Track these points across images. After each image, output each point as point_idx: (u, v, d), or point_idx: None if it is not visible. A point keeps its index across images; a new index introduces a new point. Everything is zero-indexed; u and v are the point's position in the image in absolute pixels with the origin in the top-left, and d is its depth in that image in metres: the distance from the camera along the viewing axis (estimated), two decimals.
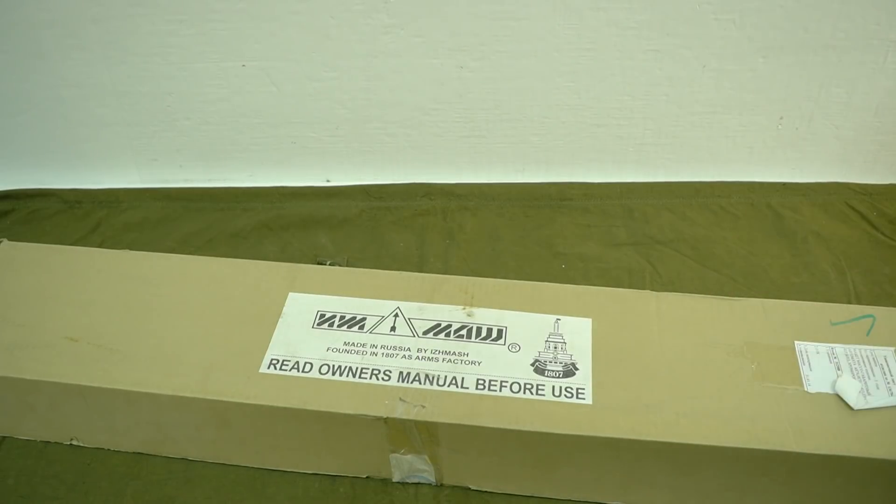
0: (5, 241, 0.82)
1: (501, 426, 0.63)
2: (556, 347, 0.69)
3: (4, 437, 0.74)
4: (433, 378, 0.67)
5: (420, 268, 0.89)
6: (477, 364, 0.68)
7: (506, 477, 0.68)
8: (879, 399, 0.64)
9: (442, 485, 0.70)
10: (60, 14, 0.88)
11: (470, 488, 0.70)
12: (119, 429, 0.71)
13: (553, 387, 0.66)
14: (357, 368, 0.68)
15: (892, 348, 0.68)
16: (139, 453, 0.72)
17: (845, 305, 0.75)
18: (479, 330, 0.71)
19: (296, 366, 0.68)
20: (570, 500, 0.69)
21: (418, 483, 0.70)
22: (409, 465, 0.68)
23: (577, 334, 0.70)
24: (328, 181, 1.02)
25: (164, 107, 0.96)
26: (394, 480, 0.70)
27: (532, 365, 0.68)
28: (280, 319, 0.72)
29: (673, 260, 0.89)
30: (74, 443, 0.73)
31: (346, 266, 0.88)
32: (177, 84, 0.94)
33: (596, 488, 0.68)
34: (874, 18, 0.86)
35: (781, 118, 0.95)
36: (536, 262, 0.90)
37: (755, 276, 0.87)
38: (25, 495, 0.70)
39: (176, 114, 0.97)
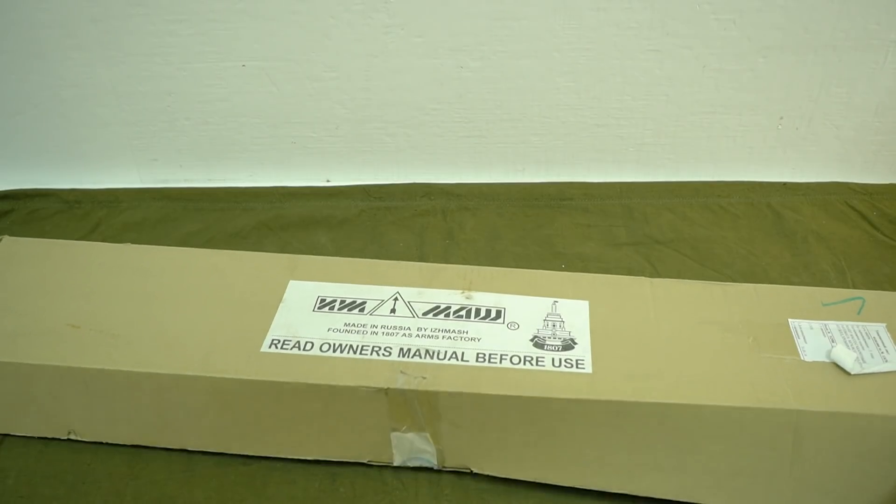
0: (6, 236, 0.82)
1: (502, 393, 0.64)
2: (554, 325, 0.70)
3: (4, 437, 0.74)
4: (433, 353, 0.67)
5: None
6: (477, 340, 0.69)
7: (507, 456, 0.68)
8: (874, 365, 0.65)
9: (443, 470, 0.70)
10: (60, 14, 0.88)
11: (471, 473, 0.69)
12: (118, 417, 0.71)
13: (553, 358, 0.67)
14: (358, 346, 0.68)
15: (884, 324, 0.69)
16: (139, 452, 0.72)
17: (835, 289, 0.76)
18: (478, 311, 0.71)
19: (297, 345, 0.69)
20: (572, 490, 0.68)
21: (419, 478, 0.70)
22: (410, 445, 0.68)
23: (575, 315, 0.71)
24: (328, 181, 1.02)
25: (164, 107, 0.96)
26: (395, 464, 0.70)
27: (531, 340, 0.68)
28: (281, 304, 0.73)
29: (673, 260, 0.89)
30: (72, 436, 0.73)
31: None
32: (177, 84, 0.94)
33: (600, 471, 0.67)
34: (874, 18, 0.86)
35: (781, 118, 0.95)
36: (536, 261, 0.90)
37: (755, 276, 0.87)
38: (25, 495, 0.70)
39: (176, 114, 0.97)
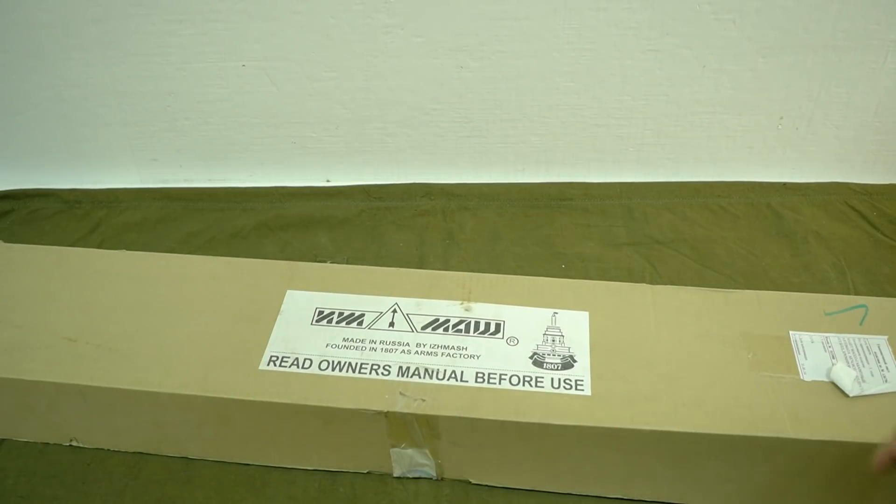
0: (1, 242, 0.82)
1: (501, 418, 0.64)
2: (553, 340, 0.69)
3: (4, 439, 0.74)
4: (433, 372, 0.67)
5: (420, 268, 0.89)
6: (476, 358, 0.68)
7: (506, 470, 0.68)
8: (874, 386, 0.64)
9: (443, 479, 0.70)
10: (60, 14, 0.88)
11: (470, 482, 0.69)
12: (119, 429, 0.71)
13: (552, 379, 0.66)
14: (356, 364, 0.68)
15: (885, 337, 0.69)
16: (139, 453, 0.72)
17: (838, 296, 0.76)
18: (477, 324, 0.71)
19: (295, 362, 0.68)
20: (570, 494, 0.69)
21: (419, 478, 0.70)
22: (409, 460, 0.68)
23: (575, 327, 0.70)
24: (328, 181, 1.02)
25: (164, 107, 0.96)
26: (394, 475, 0.70)
27: (531, 358, 0.68)
28: (279, 317, 0.72)
29: (673, 260, 0.89)
30: (74, 444, 0.73)
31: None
32: (177, 84, 0.94)
33: (596, 481, 0.68)
34: (874, 18, 0.86)
35: (781, 118, 0.95)
36: (536, 262, 0.90)
37: (755, 276, 0.87)
38: (25, 495, 0.70)
39: (176, 114, 0.97)
